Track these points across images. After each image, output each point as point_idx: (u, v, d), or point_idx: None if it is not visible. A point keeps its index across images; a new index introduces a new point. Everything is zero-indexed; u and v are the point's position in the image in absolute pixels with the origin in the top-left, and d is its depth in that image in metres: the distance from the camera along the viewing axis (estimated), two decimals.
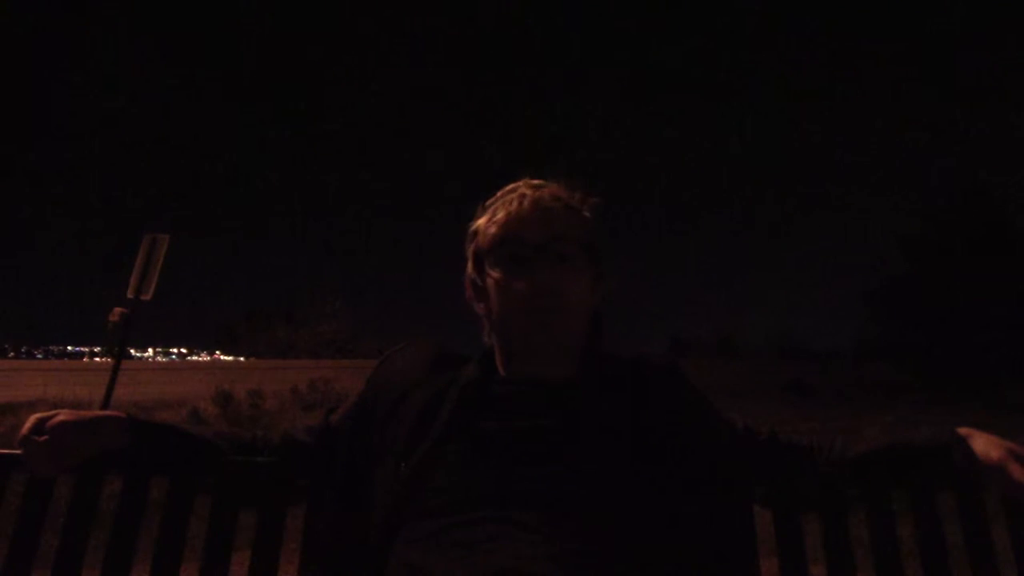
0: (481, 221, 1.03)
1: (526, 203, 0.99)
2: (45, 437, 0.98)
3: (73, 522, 1.09)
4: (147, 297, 5.67)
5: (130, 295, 5.64)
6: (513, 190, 1.03)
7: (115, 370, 5.58)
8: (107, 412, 1.07)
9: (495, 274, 0.99)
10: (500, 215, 1.00)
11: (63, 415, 1.01)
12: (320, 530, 1.07)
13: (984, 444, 0.98)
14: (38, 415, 1.01)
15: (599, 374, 1.01)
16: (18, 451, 1.00)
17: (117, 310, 5.52)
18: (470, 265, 1.06)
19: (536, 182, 1.04)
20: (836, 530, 1.10)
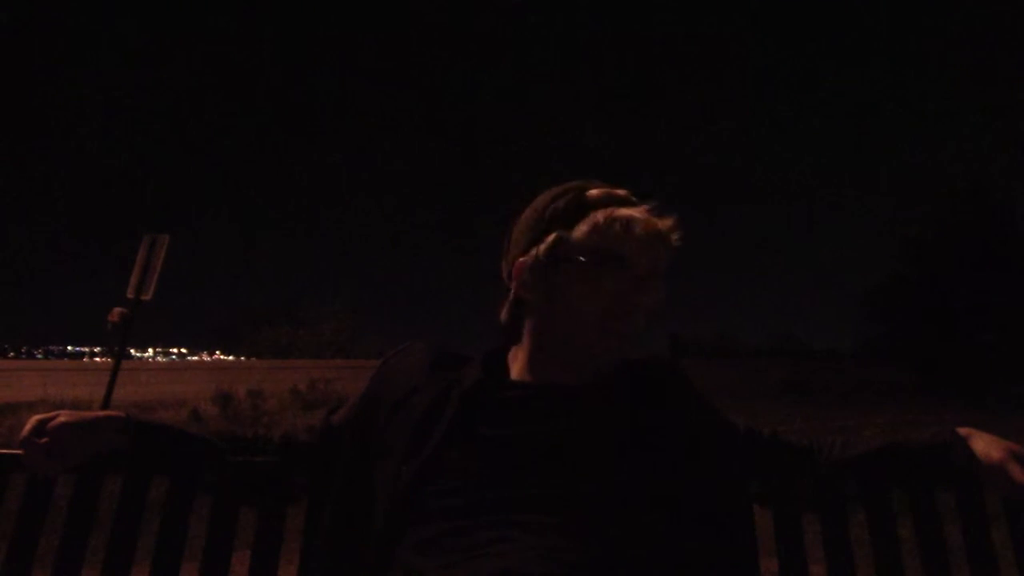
0: (600, 213, 0.98)
1: (660, 227, 0.98)
2: (46, 439, 0.98)
3: (73, 522, 1.09)
4: (147, 297, 5.68)
5: (130, 295, 5.66)
6: (640, 206, 1.00)
7: (115, 370, 5.59)
8: (107, 412, 1.07)
9: (597, 271, 0.95)
10: (633, 224, 0.96)
11: (63, 416, 1.01)
12: (320, 530, 1.07)
13: (984, 444, 0.98)
14: (39, 417, 1.01)
15: (601, 376, 1.01)
16: (18, 451, 1.01)
17: (117, 310, 5.53)
18: (545, 246, 0.99)
19: (665, 220, 1.00)
20: (836, 530, 1.10)
